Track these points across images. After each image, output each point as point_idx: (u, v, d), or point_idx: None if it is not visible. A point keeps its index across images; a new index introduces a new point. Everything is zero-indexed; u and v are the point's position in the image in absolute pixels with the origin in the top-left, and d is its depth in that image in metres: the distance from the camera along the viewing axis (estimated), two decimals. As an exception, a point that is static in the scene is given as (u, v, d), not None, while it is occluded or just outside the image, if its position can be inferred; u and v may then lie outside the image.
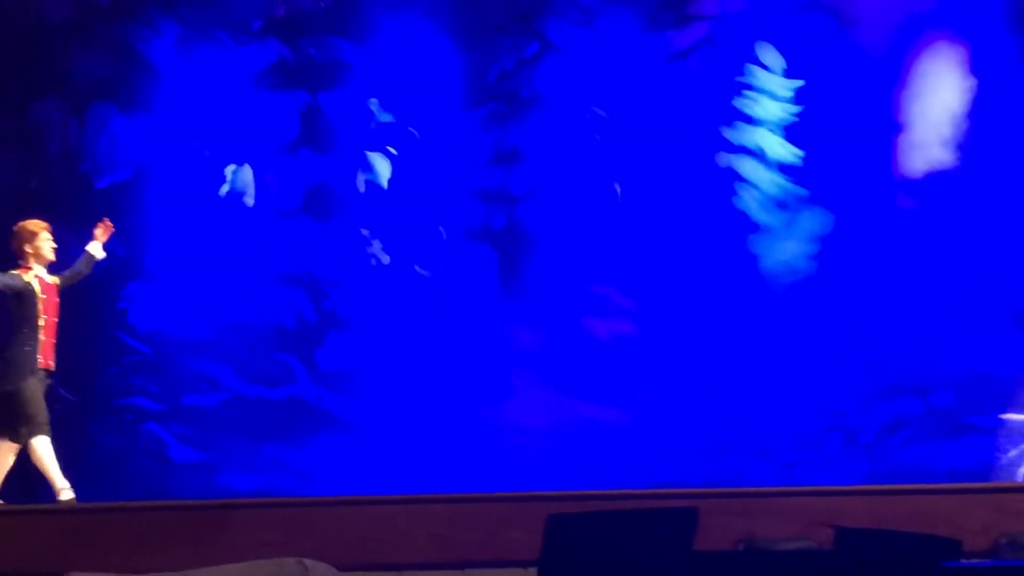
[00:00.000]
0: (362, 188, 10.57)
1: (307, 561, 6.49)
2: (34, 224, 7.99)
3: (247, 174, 10.55)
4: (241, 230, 10.43)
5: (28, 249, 7.90)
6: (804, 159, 10.44)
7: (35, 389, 7.76)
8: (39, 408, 7.75)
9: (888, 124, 10.37)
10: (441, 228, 10.54)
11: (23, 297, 7.81)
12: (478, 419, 10.25)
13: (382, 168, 10.59)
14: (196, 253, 10.38)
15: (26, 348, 7.77)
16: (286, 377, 10.38)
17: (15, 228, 8.00)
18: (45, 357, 7.85)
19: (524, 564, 6.69)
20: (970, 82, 10.32)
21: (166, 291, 10.34)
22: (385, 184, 10.58)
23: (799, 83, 10.50)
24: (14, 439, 7.72)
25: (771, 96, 10.51)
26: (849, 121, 10.36)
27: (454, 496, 7.58)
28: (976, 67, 10.31)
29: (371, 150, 10.60)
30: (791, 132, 10.48)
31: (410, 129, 10.60)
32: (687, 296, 10.33)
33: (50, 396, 8.12)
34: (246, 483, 10.05)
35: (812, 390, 10.16)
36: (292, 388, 10.37)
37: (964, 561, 4.93)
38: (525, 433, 10.22)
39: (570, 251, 10.45)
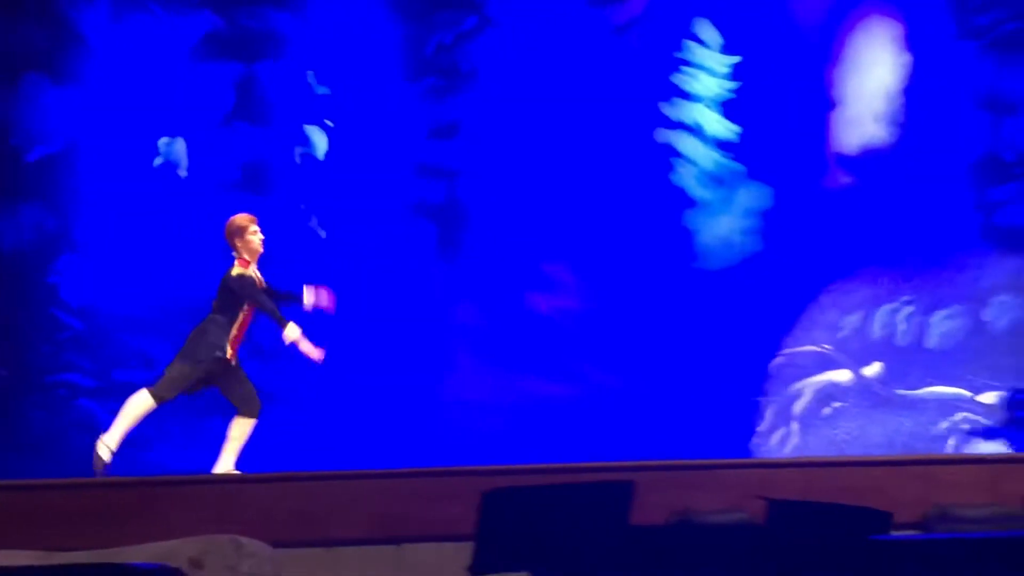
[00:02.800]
0: (299, 162, 10.49)
1: (241, 538, 6.47)
2: (242, 218, 7.90)
3: (180, 146, 10.44)
4: (175, 204, 10.32)
5: (239, 243, 7.82)
6: (741, 135, 10.49)
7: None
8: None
9: (824, 100, 10.43)
10: (379, 202, 10.48)
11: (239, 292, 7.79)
12: (418, 394, 10.24)
13: (319, 141, 10.51)
14: (130, 227, 10.26)
15: (209, 334, 7.76)
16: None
17: (227, 223, 7.92)
18: (232, 349, 7.83)
19: (462, 539, 6.68)
20: (905, 58, 10.40)
21: (98, 265, 10.22)
22: (322, 157, 10.51)
23: (736, 59, 10.53)
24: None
25: (708, 72, 10.54)
26: (786, 97, 10.41)
27: (390, 472, 7.55)
28: (911, 43, 10.39)
29: (308, 123, 10.51)
30: (728, 108, 10.52)
31: (347, 102, 10.52)
32: (625, 271, 10.36)
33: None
34: (181, 460, 9.97)
35: (746, 364, 10.24)
36: (228, 364, 10.26)
37: (893, 535, 4.99)
38: (465, 407, 10.22)
39: (509, 226, 10.44)
